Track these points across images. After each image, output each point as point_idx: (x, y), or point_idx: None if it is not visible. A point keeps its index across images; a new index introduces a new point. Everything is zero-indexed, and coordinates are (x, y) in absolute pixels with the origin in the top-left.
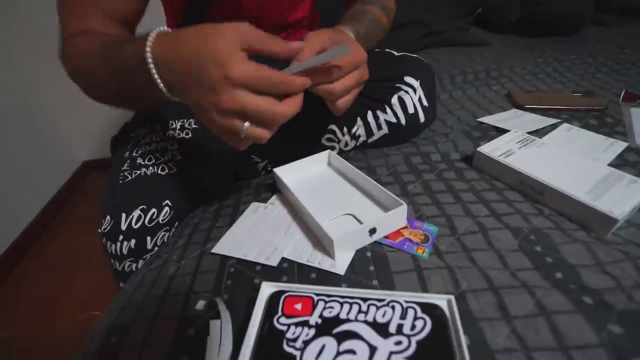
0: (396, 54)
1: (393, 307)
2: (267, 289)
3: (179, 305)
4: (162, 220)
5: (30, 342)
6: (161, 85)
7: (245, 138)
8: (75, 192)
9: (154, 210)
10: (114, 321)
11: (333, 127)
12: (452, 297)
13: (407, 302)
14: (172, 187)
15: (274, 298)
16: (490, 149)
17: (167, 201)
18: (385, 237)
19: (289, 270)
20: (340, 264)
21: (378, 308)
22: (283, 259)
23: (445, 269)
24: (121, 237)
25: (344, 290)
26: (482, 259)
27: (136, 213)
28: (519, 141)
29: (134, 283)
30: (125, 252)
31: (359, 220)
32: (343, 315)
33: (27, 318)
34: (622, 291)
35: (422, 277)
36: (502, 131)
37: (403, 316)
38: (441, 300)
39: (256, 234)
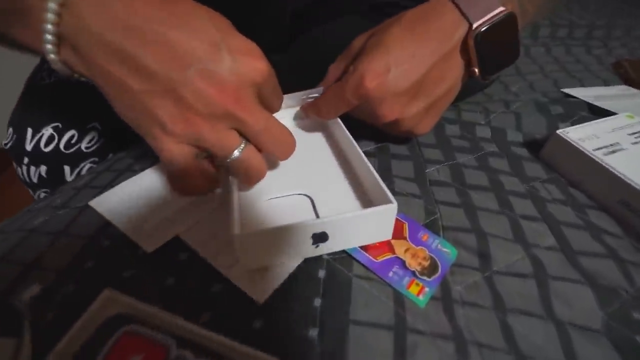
0: None
1: None
2: (103, 306)
3: (7, 280)
4: (87, 148)
5: None
6: (49, 27)
7: (236, 163)
8: None
9: (73, 132)
10: None
11: None
12: None
13: None
14: (106, 105)
15: (106, 327)
16: (581, 135)
17: (96, 124)
18: (363, 248)
19: (182, 264)
20: (261, 283)
21: None
22: (177, 244)
23: (451, 343)
24: (26, 159)
25: (230, 345)
26: (533, 338)
27: (47, 132)
28: (634, 133)
29: None
30: (35, 179)
31: (315, 208)
32: None
33: None
34: None
35: (402, 347)
36: (600, 113)
37: None
38: None
39: (158, 194)
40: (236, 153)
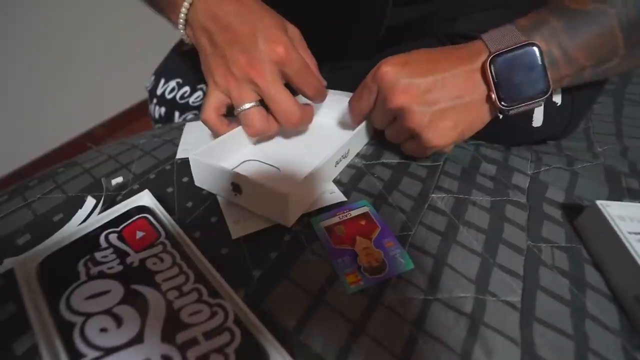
0: None
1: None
2: (142, 198)
3: (106, 171)
4: (193, 103)
5: None
6: (182, 14)
7: (243, 114)
8: None
9: (187, 88)
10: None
11: None
12: None
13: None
14: None
15: (135, 210)
16: (623, 213)
17: (203, 86)
18: (329, 232)
19: (203, 196)
20: (241, 224)
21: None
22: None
23: (350, 325)
24: (155, 100)
25: (201, 259)
26: None
27: (172, 84)
28: None
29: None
30: (156, 116)
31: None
32: (159, 279)
33: None
34: None
35: (310, 311)
36: None
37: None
38: None
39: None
40: (246, 106)
